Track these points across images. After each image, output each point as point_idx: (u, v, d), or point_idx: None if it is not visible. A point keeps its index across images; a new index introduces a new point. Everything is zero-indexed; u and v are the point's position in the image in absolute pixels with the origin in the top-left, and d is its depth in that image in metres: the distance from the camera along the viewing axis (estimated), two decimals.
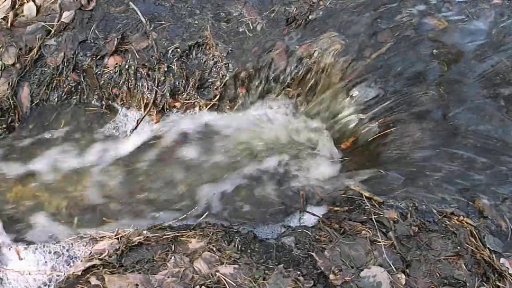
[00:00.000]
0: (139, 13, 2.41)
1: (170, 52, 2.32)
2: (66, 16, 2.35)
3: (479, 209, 1.81)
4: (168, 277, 1.48)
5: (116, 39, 2.29)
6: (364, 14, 2.50)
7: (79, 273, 1.52)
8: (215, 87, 2.36)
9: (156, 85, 2.29)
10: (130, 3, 2.45)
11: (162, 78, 2.29)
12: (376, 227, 1.68)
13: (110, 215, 1.99)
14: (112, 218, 1.98)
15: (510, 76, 2.31)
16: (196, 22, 2.44)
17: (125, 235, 1.63)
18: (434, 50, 2.38)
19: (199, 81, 2.33)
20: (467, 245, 1.66)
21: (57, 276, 1.58)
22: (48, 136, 2.23)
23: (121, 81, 2.30)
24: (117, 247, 1.59)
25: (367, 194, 1.86)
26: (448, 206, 1.81)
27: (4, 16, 2.33)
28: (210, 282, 1.47)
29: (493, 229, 1.76)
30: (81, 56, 2.29)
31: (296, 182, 2.17)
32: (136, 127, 2.30)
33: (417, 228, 1.70)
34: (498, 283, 1.58)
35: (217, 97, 2.36)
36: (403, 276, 1.55)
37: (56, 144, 2.20)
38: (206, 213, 1.87)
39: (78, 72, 2.29)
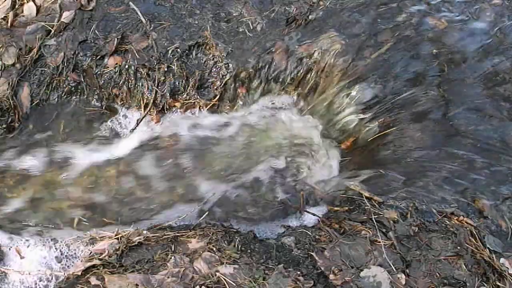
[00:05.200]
0: (139, 13, 2.41)
1: (170, 52, 2.32)
2: (66, 16, 2.35)
3: (479, 209, 1.81)
4: (168, 277, 1.48)
5: (116, 39, 2.29)
6: (364, 14, 2.50)
7: (79, 273, 1.52)
8: (215, 87, 2.36)
9: (156, 85, 2.29)
10: (130, 3, 2.45)
11: (162, 78, 2.29)
12: (376, 227, 1.68)
13: (110, 215, 1.99)
14: (112, 218, 1.98)
15: (510, 76, 2.31)
16: (196, 22, 2.44)
17: (125, 235, 1.63)
18: (434, 50, 2.38)
19: (199, 81, 2.33)
20: (467, 245, 1.66)
21: (57, 276, 1.58)
22: (48, 136, 2.22)
23: (121, 81, 2.30)
24: (117, 247, 1.59)
25: (367, 194, 1.86)
26: (448, 206, 1.81)
27: (4, 16, 2.32)
28: (210, 282, 1.47)
29: (493, 229, 1.76)
30: (81, 56, 2.29)
31: (296, 182, 2.17)
32: (136, 127, 2.30)
33: (417, 228, 1.70)
34: (498, 283, 1.58)
35: (217, 97, 2.36)
36: (403, 276, 1.55)
37: (56, 144, 2.20)
38: (206, 213, 1.87)
39: (78, 72, 2.29)
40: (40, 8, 2.38)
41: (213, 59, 2.36)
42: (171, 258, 1.55)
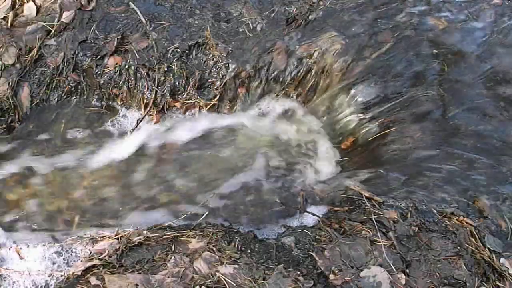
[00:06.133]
0: (139, 13, 2.41)
1: (170, 52, 2.32)
2: (66, 16, 2.35)
3: (479, 209, 1.81)
4: (168, 277, 1.48)
5: (116, 39, 2.29)
6: (364, 14, 2.50)
7: (79, 273, 1.52)
8: (215, 87, 2.36)
9: (156, 85, 2.29)
10: (130, 3, 2.45)
11: (162, 78, 2.29)
12: (376, 227, 1.68)
13: (110, 215, 1.99)
14: (112, 218, 1.98)
15: (510, 76, 2.31)
16: (196, 22, 2.44)
17: (125, 235, 1.63)
18: (434, 50, 2.38)
19: (199, 81, 2.33)
20: (467, 245, 1.66)
21: (57, 276, 1.57)
22: (48, 136, 2.22)
23: (121, 81, 2.30)
24: (117, 247, 1.59)
25: (367, 194, 1.86)
26: (448, 206, 1.81)
27: (4, 16, 2.32)
28: (210, 282, 1.47)
29: (493, 229, 1.76)
30: (81, 56, 2.29)
31: (296, 182, 2.17)
32: (136, 127, 2.30)
33: (417, 228, 1.70)
34: (498, 283, 1.58)
35: (217, 97, 2.36)
36: (403, 276, 1.55)
37: (56, 144, 2.20)
38: (206, 213, 1.87)
39: (78, 72, 2.29)
40: (40, 8, 2.38)
41: (213, 59, 2.36)
42: (171, 258, 1.55)
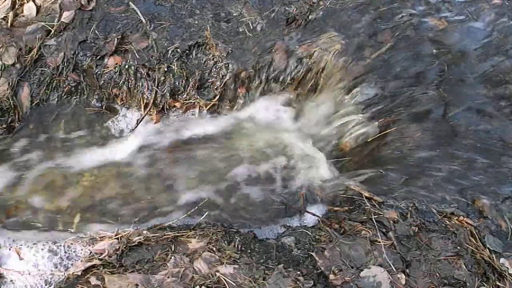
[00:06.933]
0: (139, 13, 2.41)
1: (170, 52, 2.32)
2: (66, 16, 2.35)
3: (479, 209, 1.82)
4: (168, 277, 1.48)
5: (116, 39, 2.29)
6: (364, 14, 2.51)
7: (79, 273, 1.53)
8: (215, 87, 2.36)
9: (156, 85, 2.29)
10: (130, 3, 2.45)
11: (162, 78, 2.29)
12: (376, 227, 1.68)
13: (110, 215, 1.99)
14: (112, 218, 1.98)
15: (510, 76, 2.31)
16: (196, 22, 2.44)
17: (125, 235, 1.63)
18: (434, 50, 2.38)
19: (199, 81, 2.33)
20: (467, 245, 1.66)
21: (57, 276, 1.58)
22: (47, 137, 2.22)
23: (121, 81, 2.30)
24: (117, 247, 1.59)
25: (367, 194, 1.86)
26: (448, 206, 1.81)
27: (4, 16, 2.32)
28: (210, 282, 1.47)
29: (493, 229, 1.76)
30: (81, 56, 2.29)
31: (296, 182, 2.17)
32: (136, 127, 2.30)
33: (417, 228, 1.70)
34: (498, 283, 1.59)
35: (217, 97, 2.36)
36: (403, 276, 1.55)
37: (56, 144, 2.20)
38: (206, 213, 1.87)
39: (78, 72, 2.29)
40: (40, 8, 2.38)
41: (213, 59, 2.36)
42: (171, 258, 1.55)
